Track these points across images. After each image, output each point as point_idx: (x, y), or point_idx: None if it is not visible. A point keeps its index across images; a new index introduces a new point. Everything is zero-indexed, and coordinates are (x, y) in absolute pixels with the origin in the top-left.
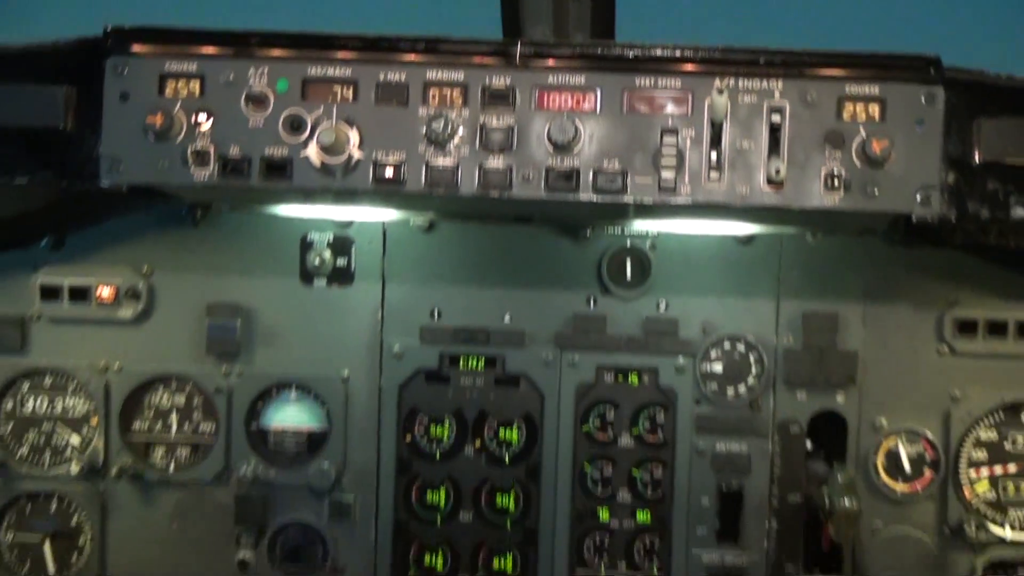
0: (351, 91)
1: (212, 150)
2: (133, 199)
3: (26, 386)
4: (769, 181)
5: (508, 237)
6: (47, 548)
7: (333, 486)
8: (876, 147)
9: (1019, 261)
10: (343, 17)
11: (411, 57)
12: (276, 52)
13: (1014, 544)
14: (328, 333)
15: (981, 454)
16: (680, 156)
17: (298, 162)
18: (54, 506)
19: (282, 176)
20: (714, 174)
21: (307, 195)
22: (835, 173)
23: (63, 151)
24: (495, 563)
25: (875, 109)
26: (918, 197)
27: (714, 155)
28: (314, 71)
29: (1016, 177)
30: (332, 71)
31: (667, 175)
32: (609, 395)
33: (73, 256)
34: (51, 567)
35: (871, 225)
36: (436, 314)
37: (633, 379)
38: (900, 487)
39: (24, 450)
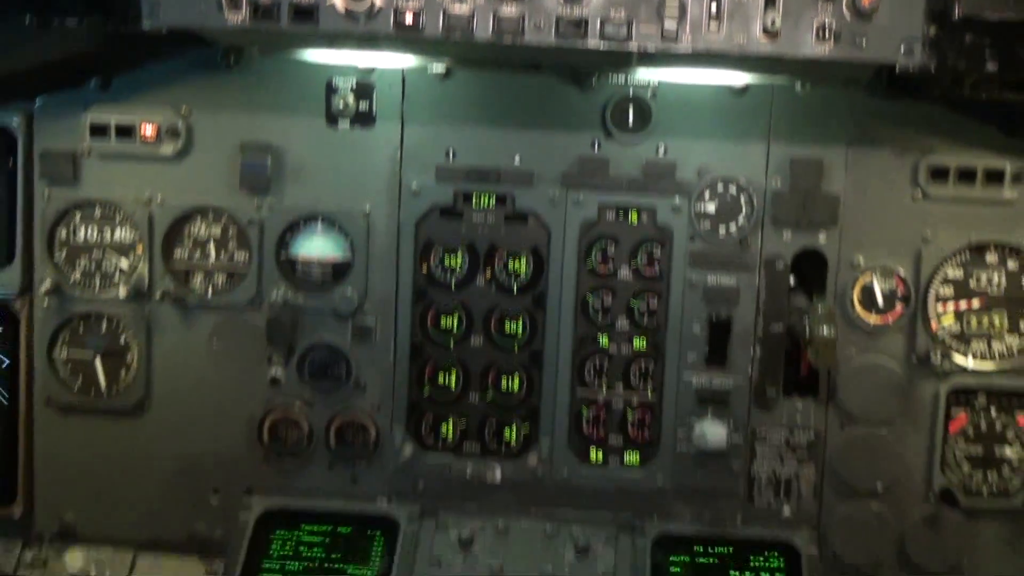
0: None
1: None
2: (172, 42)
3: (78, 216)
4: (765, 31)
5: (519, 84)
6: (98, 364)
7: (356, 311)
8: (865, 0)
9: (990, 113)
10: None
11: None
12: None
13: (975, 372)
14: (351, 171)
15: (948, 290)
16: (682, 7)
17: (324, 8)
18: (104, 327)
19: (309, 20)
20: (714, 24)
21: (332, 40)
22: (826, 24)
23: None
24: (503, 383)
25: None
26: (902, 48)
27: (714, 6)
28: None
29: (992, 32)
30: None
31: (670, 24)
32: (610, 231)
33: (119, 97)
34: (102, 381)
35: (857, 75)
36: (451, 155)
37: (633, 217)
38: (873, 319)
39: (77, 275)
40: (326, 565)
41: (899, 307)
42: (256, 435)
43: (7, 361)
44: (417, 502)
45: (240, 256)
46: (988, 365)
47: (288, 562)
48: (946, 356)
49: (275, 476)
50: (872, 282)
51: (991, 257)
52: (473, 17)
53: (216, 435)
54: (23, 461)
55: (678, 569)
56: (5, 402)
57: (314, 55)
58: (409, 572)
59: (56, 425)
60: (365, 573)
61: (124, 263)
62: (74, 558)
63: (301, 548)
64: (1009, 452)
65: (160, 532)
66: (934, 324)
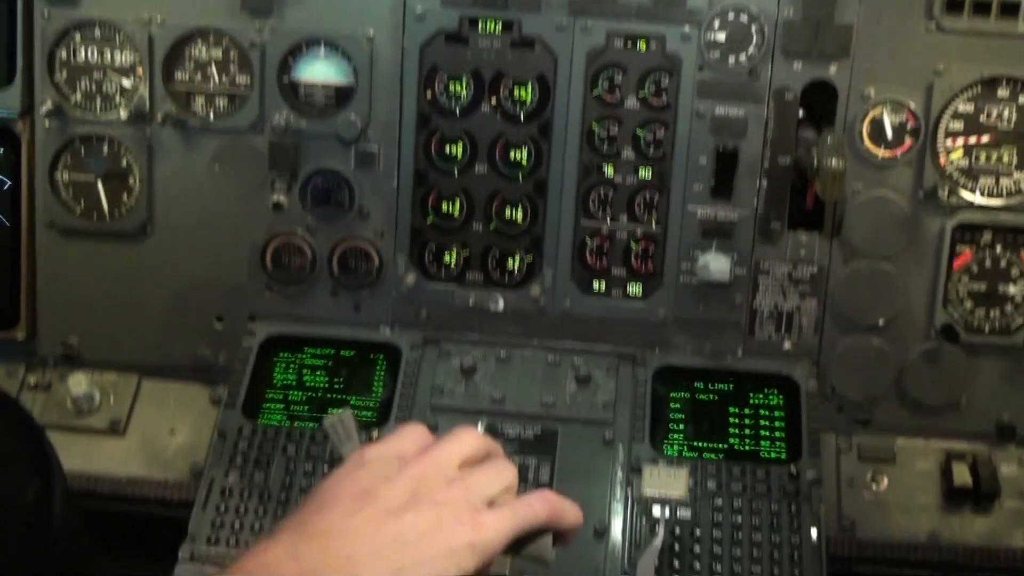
0: None
1: None
2: None
3: (78, 37)
4: None
5: None
6: (100, 187)
7: (359, 136)
8: None
9: None
10: None
11: None
12: None
13: (981, 208)
14: None
15: (958, 125)
16: None
17: None
18: (105, 149)
19: None
20: None
21: None
22: None
23: None
24: (507, 212)
25: None
26: None
27: None
28: None
29: None
30: None
31: None
32: (618, 59)
33: None
34: (104, 204)
35: None
36: None
37: (641, 45)
38: (882, 152)
39: (78, 96)
40: (329, 385)
41: (908, 141)
42: (259, 261)
43: (8, 183)
44: (419, 330)
45: (242, 79)
46: (995, 201)
47: (291, 392)
48: (953, 192)
49: (278, 303)
50: (882, 115)
51: (1002, 91)
52: None
53: (219, 261)
54: (25, 284)
55: (677, 395)
56: (7, 224)
57: None
58: (411, 399)
59: (58, 248)
60: (368, 399)
61: (126, 83)
62: (78, 382)
63: (304, 371)
64: (1012, 289)
65: (164, 358)
66: (942, 159)
